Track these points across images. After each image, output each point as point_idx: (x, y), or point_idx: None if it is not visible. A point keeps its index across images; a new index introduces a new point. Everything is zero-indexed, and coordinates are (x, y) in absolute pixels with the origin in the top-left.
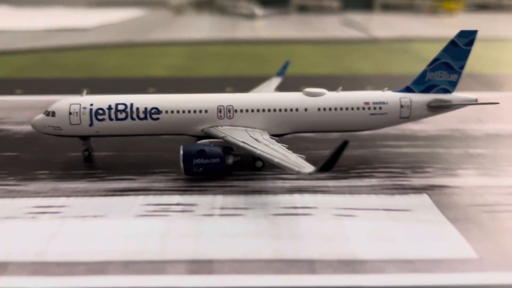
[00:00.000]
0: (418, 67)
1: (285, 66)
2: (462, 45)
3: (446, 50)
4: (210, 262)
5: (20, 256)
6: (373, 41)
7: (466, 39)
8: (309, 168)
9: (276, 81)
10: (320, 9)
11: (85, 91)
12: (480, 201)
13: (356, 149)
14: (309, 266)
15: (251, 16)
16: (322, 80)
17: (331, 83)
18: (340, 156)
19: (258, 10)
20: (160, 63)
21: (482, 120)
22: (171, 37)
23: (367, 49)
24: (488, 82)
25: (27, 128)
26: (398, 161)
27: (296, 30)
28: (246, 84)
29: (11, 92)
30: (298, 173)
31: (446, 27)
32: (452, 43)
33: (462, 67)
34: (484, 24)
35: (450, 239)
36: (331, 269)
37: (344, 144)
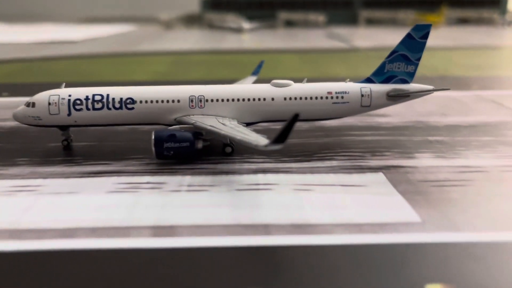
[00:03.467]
0: None
1: (260, 66)
2: (417, 38)
3: (403, 42)
4: (172, 227)
5: None
6: (353, 50)
7: (421, 32)
8: (264, 141)
9: (251, 79)
10: (307, 24)
11: (64, 84)
12: (431, 177)
13: (322, 138)
14: (264, 229)
15: (238, 30)
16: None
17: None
18: (292, 129)
19: (246, 24)
20: (145, 70)
21: (445, 114)
22: (157, 48)
23: (346, 57)
24: (458, 83)
25: (11, 123)
26: (359, 147)
27: (280, 41)
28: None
29: None
30: (256, 146)
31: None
32: (409, 36)
33: (418, 59)
34: (461, 35)
35: (397, 207)
36: (284, 231)
37: (295, 117)
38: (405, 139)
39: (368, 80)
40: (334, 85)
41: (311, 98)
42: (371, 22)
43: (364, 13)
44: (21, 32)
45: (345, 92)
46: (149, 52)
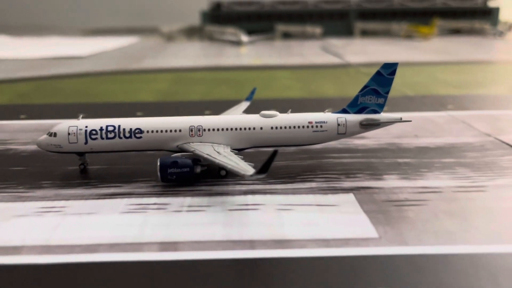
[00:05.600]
0: None
1: (252, 92)
2: (386, 75)
3: (373, 79)
4: (176, 243)
5: (31, 242)
6: (345, 66)
7: (389, 69)
8: (251, 171)
9: (245, 105)
10: (304, 36)
11: (81, 116)
12: (393, 197)
13: (305, 160)
14: (250, 244)
15: (238, 43)
16: (288, 103)
17: (296, 105)
18: (272, 162)
19: (244, 37)
20: (148, 88)
21: (417, 135)
22: (159, 65)
23: (337, 73)
24: (436, 103)
25: (32, 147)
26: (336, 169)
27: (276, 56)
28: (223, 106)
29: (16, 117)
30: (243, 175)
31: (418, 50)
32: (378, 73)
33: (387, 92)
34: (451, 48)
35: (360, 224)
36: (266, 246)
37: (274, 153)
38: (377, 161)
39: (344, 111)
40: (314, 116)
41: (294, 127)
42: (365, 33)
43: (359, 25)
44: (28, 46)
45: (324, 122)
46: (152, 69)
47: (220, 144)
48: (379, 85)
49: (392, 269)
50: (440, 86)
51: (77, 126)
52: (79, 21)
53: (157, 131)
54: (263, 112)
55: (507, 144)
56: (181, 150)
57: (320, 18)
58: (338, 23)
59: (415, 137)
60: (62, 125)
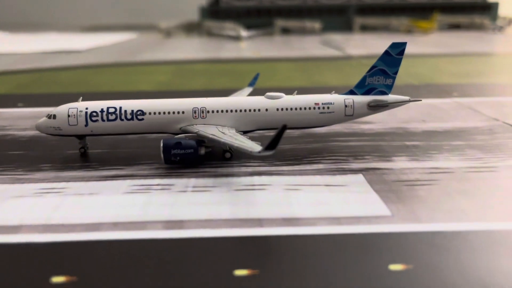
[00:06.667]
0: None
1: (255, 78)
2: (394, 55)
3: (381, 59)
4: (181, 221)
5: (31, 221)
6: (347, 58)
7: (398, 49)
8: (257, 148)
9: (247, 90)
10: (303, 31)
11: (81, 98)
12: (404, 178)
13: (311, 143)
14: (258, 222)
15: (237, 38)
16: (291, 91)
17: (300, 92)
18: (281, 138)
19: (244, 32)
20: (148, 80)
21: (424, 120)
22: (159, 58)
23: (339, 65)
24: (441, 91)
25: (31, 133)
26: (343, 151)
27: (277, 49)
28: (224, 95)
29: (13, 105)
30: (251, 152)
31: (419, 44)
32: (386, 53)
33: (395, 73)
34: (452, 42)
35: (372, 203)
36: (275, 224)
37: (283, 128)
38: (385, 144)
39: (351, 92)
40: (320, 97)
41: (300, 108)
42: (365, 28)
43: (359, 20)
44: (27, 42)
45: (331, 103)
46: (151, 62)
47: (224, 126)
48: (387, 65)
49: (406, 246)
50: (444, 75)
51: (77, 108)
52: (77, 19)
53: (159, 113)
54: (268, 93)
55: None
56: (184, 132)
57: (319, 14)
58: (338, 19)
59: (422, 121)
60: (62, 107)
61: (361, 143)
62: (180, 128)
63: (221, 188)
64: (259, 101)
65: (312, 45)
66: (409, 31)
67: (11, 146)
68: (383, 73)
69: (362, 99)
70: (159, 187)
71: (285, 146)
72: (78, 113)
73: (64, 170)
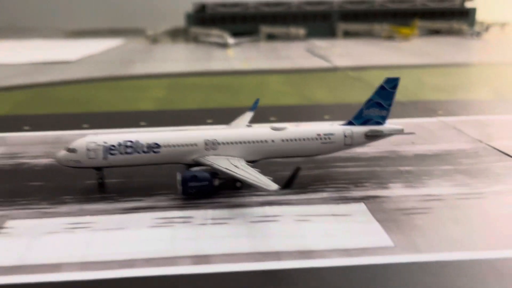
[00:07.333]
0: (367, 95)
1: (256, 103)
2: (388, 89)
3: (377, 93)
4: (207, 256)
5: (68, 259)
6: (334, 70)
7: (391, 84)
8: (274, 186)
9: (249, 115)
10: (288, 37)
11: (97, 132)
12: (401, 206)
13: (313, 170)
14: (276, 255)
15: (224, 45)
16: (286, 110)
17: (295, 113)
18: (296, 178)
19: (230, 40)
20: (146, 96)
21: (414, 142)
22: (151, 69)
23: (326, 77)
24: (426, 109)
25: (44, 161)
26: (343, 178)
27: (264, 58)
28: (223, 115)
29: (19, 128)
30: (267, 190)
31: (401, 51)
32: (381, 87)
33: (389, 105)
34: (432, 49)
35: (376, 233)
36: (292, 257)
37: (298, 170)
38: (380, 170)
39: (350, 123)
40: (322, 128)
41: (303, 139)
42: (348, 34)
43: (342, 26)
44: (13, 50)
45: (331, 134)
46: (144, 75)
47: (234, 156)
48: (382, 99)
49: (409, 276)
50: (428, 90)
51: (95, 142)
52: (59, 22)
53: (174, 146)
54: (274, 125)
55: (499, 150)
56: (197, 163)
57: (304, 20)
58: (321, 24)
59: (412, 144)
60: (81, 142)
61: (359, 169)
62: (193, 159)
63: (237, 220)
64: (265, 133)
65: (298, 53)
66: (390, 36)
67: (29, 177)
68: (378, 106)
69: (360, 130)
70: (181, 219)
71: (287, 172)
72: (97, 147)
73: (87, 202)
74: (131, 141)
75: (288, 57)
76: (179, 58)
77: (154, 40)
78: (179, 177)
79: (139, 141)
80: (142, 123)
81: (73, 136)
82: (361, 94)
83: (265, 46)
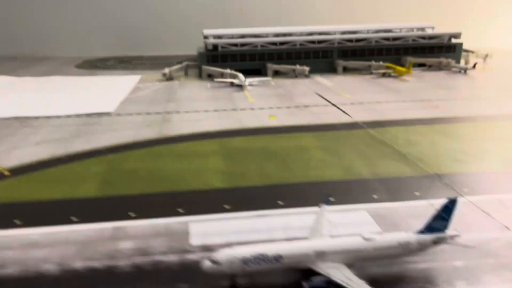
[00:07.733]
0: (397, 165)
1: (328, 200)
2: (450, 206)
3: (441, 209)
4: None
5: None
6: (353, 126)
7: (452, 204)
8: None
9: (324, 209)
10: (293, 74)
11: (231, 244)
12: None
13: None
14: None
15: (240, 86)
16: (338, 187)
17: (345, 190)
18: None
19: (246, 81)
20: (208, 167)
21: (458, 233)
22: (190, 127)
23: (351, 137)
24: (450, 187)
25: (174, 258)
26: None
27: (279, 102)
28: (289, 193)
29: (126, 215)
30: None
31: (402, 94)
32: (445, 206)
33: (450, 217)
34: (430, 92)
35: None
36: None
37: None
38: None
39: (421, 232)
40: (403, 237)
41: (388, 247)
42: (346, 70)
43: (341, 63)
44: (39, 92)
45: (409, 243)
46: (186, 135)
47: (339, 263)
48: (445, 213)
49: None
50: (446, 159)
51: (235, 256)
52: (65, 49)
53: (293, 257)
54: (366, 235)
55: None
56: (311, 270)
57: (307, 57)
58: (322, 61)
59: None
60: (222, 254)
61: (426, 265)
62: (305, 265)
63: None
64: (360, 243)
65: (311, 98)
66: (385, 74)
67: (173, 277)
68: (441, 219)
69: (429, 237)
70: None
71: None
72: (235, 259)
73: None
74: (262, 254)
75: (305, 106)
76: (205, 103)
77: (170, 77)
78: (306, 286)
79: (266, 253)
80: (226, 206)
81: (173, 225)
82: (393, 165)
83: (275, 87)
